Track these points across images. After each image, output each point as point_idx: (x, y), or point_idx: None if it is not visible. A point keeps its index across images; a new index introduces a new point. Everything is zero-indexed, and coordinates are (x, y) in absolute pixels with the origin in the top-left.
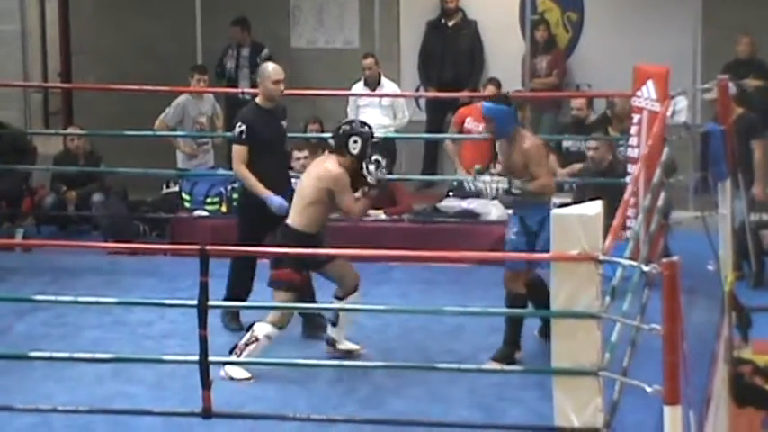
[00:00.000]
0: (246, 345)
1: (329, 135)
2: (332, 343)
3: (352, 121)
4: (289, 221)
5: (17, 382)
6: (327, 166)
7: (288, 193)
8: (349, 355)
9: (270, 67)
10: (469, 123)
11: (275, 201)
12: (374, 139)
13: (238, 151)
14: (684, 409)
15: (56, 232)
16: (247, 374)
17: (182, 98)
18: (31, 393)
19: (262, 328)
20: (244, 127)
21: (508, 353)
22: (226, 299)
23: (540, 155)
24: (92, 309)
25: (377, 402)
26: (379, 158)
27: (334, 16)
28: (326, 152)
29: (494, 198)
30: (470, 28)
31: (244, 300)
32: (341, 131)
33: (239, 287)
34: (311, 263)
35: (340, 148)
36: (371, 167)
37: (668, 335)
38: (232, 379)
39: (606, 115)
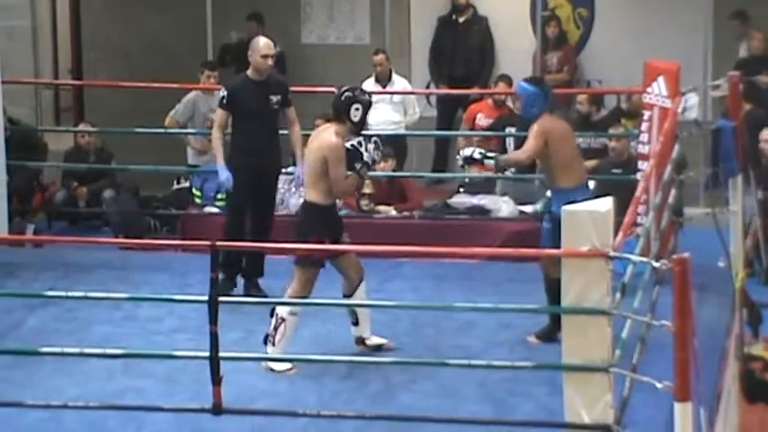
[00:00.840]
0: (276, 329)
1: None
2: (362, 342)
3: (354, 89)
4: (306, 197)
5: (28, 377)
6: (326, 136)
7: (276, 165)
8: (380, 349)
9: (261, 41)
10: (481, 120)
11: (222, 174)
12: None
13: (217, 115)
14: (695, 406)
15: (67, 228)
16: (288, 366)
17: (192, 95)
18: (41, 388)
19: (284, 308)
20: (225, 93)
21: (551, 330)
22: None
23: (537, 131)
24: (102, 304)
25: (387, 398)
26: (378, 140)
27: (345, 12)
28: (322, 122)
29: (467, 162)
30: (481, 24)
31: (238, 262)
32: (343, 98)
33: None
34: (333, 241)
35: (340, 116)
36: (370, 146)
37: (679, 331)
38: (272, 371)
39: (620, 109)
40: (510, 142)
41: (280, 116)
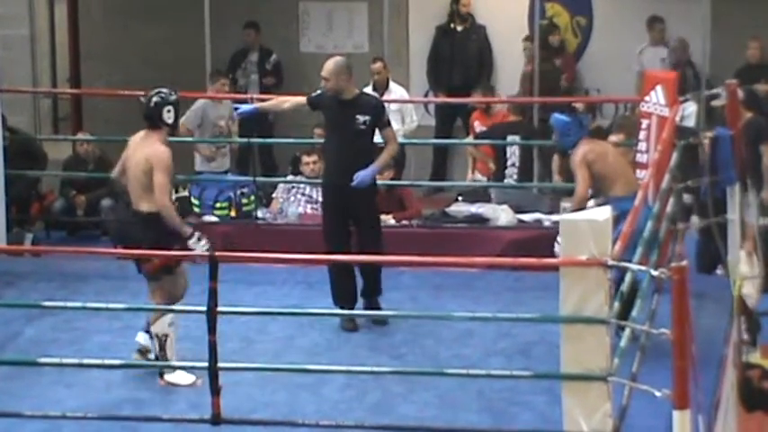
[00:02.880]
0: (163, 348)
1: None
2: (145, 351)
3: (160, 91)
4: (141, 208)
5: (26, 388)
6: (149, 145)
7: (349, 184)
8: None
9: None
10: (477, 127)
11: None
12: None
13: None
14: (693, 414)
15: (65, 237)
16: (192, 378)
17: (201, 102)
18: (40, 399)
19: (161, 324)
20: (315, 93)
21: None
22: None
23: (578, 163)
24: (101, 314)
25: (386, 408)
26: (212, 245)
27: (344, 21)
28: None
29: None
30: (479, 33)
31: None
32: (152, 104)
33: (340, 292)
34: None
35: (155, 122)
36: (201, 243)
37: (677, 340)
38: (175, 386)
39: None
40: (514, 151)
41: (369, 136)
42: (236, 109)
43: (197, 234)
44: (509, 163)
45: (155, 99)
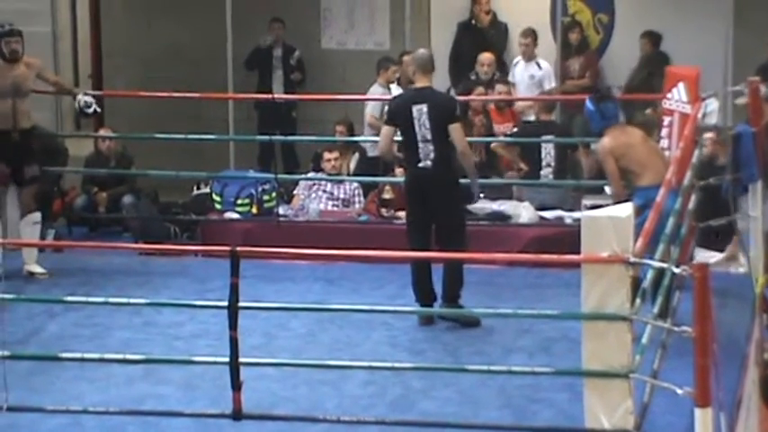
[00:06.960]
0: None
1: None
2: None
3: None
4: None
5: (48, 383)
6: None
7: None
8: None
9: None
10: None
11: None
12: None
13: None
14: (715, 412)
15: (86, 233)
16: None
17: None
18: (61, 394)
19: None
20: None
21: None
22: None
23: (602, 157)
24: (122, 309)
25: (407, 404)
26: None
27: (365, 18)
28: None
29: None
30: (501, 30)
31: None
32: None
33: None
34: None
35: None
36: None
37: (699, 337)
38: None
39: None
40: (549, 151)
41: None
42: None
43: None
44: (544, 163)
45: None
